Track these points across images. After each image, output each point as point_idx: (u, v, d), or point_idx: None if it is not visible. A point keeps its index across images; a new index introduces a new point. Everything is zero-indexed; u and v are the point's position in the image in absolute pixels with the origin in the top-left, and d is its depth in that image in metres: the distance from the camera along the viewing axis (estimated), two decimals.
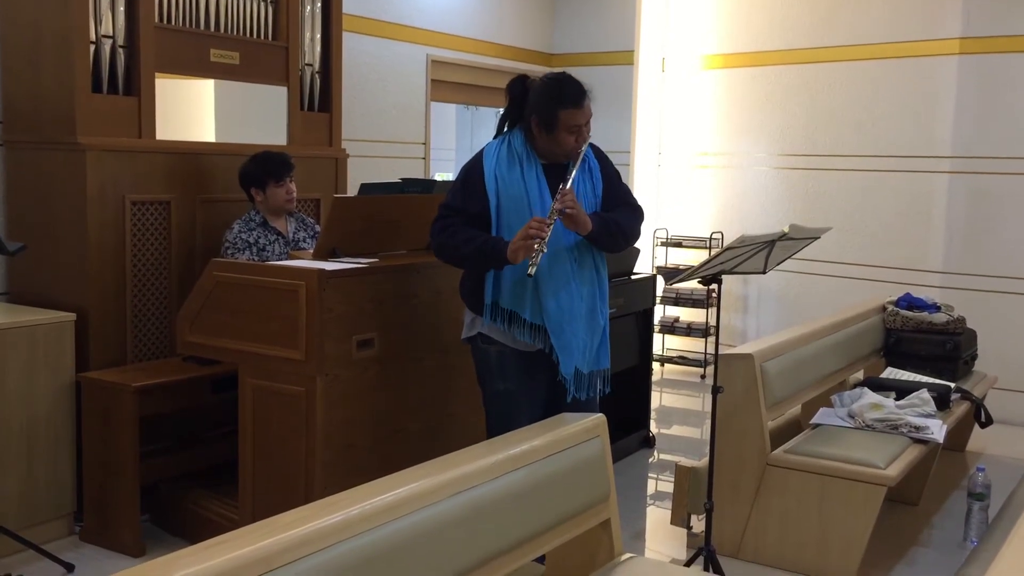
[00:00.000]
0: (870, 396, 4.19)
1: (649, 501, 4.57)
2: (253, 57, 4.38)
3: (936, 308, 5.09)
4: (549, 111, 3.00)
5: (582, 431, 2.58)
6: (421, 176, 5.94)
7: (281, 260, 3.80)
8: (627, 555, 2.68)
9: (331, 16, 4.76)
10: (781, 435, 4.14)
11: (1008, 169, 5.85)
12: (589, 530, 2.56)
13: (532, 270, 2.84)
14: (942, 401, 4.29)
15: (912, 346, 4.95)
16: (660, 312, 7.04)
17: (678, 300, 6.97)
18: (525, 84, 3.12)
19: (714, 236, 6.91)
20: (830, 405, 4.23)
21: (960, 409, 4.48)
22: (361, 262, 3.30)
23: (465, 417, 3.64)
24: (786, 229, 3.20)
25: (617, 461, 4.54)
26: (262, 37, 4.44)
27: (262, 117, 4.57)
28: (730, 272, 3.25)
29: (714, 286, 3.28)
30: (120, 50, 3.86)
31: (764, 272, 3.37)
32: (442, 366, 3.54)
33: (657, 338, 6.37)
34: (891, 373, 4.72)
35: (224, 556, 1.58)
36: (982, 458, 5.04)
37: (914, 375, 4.64)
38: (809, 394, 4.24)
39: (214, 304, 3.29)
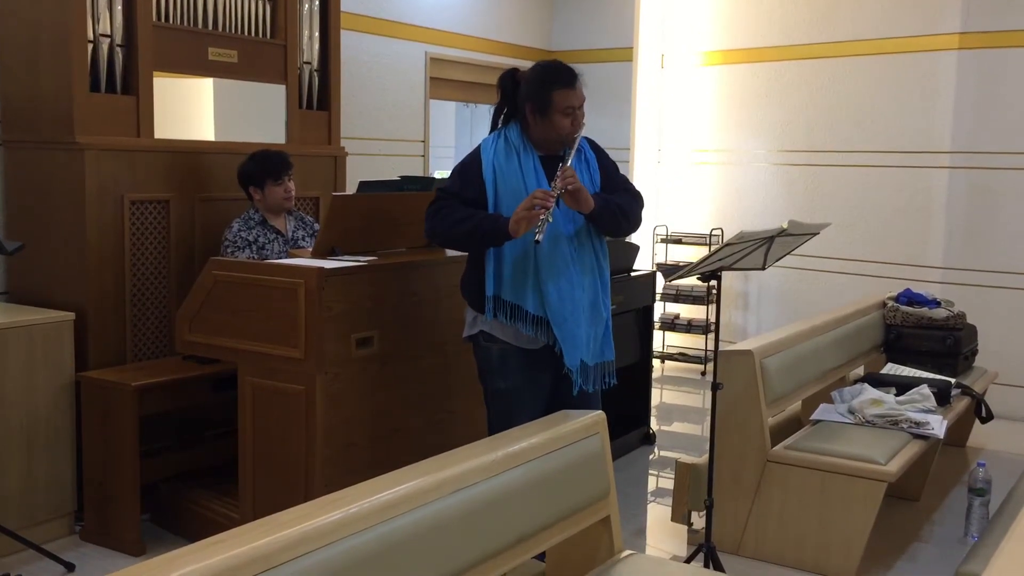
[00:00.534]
0: (870, 392, 4.19)
1: (649, 498, 4.57)
2: (252, 55, 4.38)
3: (936, 304, 5.09)
4: (543, 93, 3.00)
5: (582, 428, 2.58)
6: (420, 174, 5.93)
7: (280, 259, 3.80)
8: (627, 552, 2.68)
9: (329, 14, 4.75)
10: (781, 431, 4.14)
11: (1008, 164, 5.84)
12: (589, 527, 2.56)
13: (539, 236, 2.82)
14: (942, 397, 4.29)
15: (912, 342, 4.95)
16: (660, 309, 7.03)
17: (678, 297, 6.96)
18: (516, 77, 3.12)
19: (714, 232, 6.90)
20: (830, 401, 4.24)
21: (960, 405, 4.48)
22: (360, 260, 3.30)
23: (465, 415, 3.63)
24: (785, 225, 3.20)
25: (617, 458, 4.55)
26: (260, 35, 4.44)
27: (261, 115, 4.57)
28: (730, 268, 3.24)
29: (714, 282, 3.26)
30: (118, 49, 3.85)
31: (763, 268, 3.37)
32: (442, 364, 3.54)
33: (657, 335, 6.38)
34: (891, 369, 4.71)
35: (224, 554, 1.58)
36: (983, 454, 5.04)
37: (914, 371, 4.64)
38: (809, 390, 4.24)
39: (213, 303, 3.29)
